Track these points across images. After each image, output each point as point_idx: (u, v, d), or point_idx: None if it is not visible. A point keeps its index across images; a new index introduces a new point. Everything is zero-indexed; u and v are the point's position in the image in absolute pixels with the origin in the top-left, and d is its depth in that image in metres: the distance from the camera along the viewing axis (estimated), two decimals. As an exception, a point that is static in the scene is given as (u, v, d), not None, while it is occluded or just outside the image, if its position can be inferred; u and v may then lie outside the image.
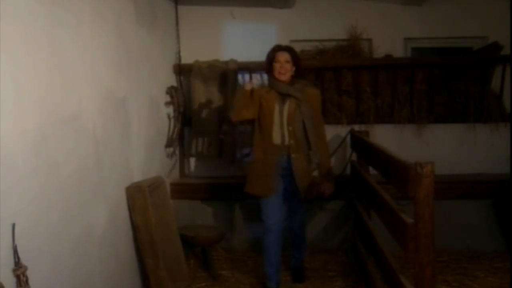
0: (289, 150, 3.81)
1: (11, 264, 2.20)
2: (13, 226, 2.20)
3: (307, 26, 5.19)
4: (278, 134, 3.81)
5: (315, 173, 4.01)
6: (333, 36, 5.20)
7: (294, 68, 3.85)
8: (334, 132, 5.03)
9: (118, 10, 3.58)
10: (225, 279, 4.23)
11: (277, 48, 3.88)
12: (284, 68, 3.78)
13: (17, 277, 2.22)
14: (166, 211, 4.02)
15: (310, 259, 4.59)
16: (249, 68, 4.87)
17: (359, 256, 4.30)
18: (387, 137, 4.84)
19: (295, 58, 3.86)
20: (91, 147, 3.07)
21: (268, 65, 3.88)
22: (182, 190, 4.86)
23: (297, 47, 5.06)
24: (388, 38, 5.19)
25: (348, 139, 4.81)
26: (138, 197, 3.56)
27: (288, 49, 3.88)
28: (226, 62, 4.87)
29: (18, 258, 2.22)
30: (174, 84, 5.00)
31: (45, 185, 2.50)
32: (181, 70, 5.05)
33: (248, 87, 3.81)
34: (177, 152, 5.00)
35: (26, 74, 2.35)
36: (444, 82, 5.03)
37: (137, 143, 3.89)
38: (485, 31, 5.18)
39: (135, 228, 3.62)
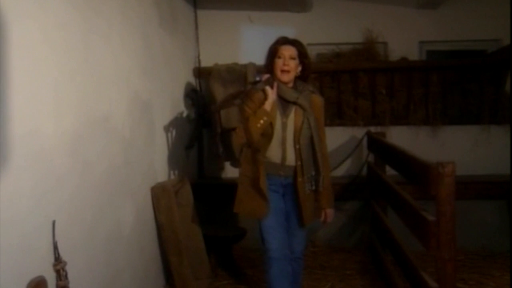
0: (295, 172, 3.13)
1: (51, 259, 2.31)
2: (53, 223, 2.31)
3: (324, 30, 5.30)
4: (278, 152, 3.11)
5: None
6: (349, 39, 5.32)
7: (300, 68, 3.14)
8: (351, 134, 5.13)
9: (144, 16, 3.70)
10: (246, 277, 4.30)
11: (282, 41, 3.15)
12: (288, 65, 3.06)
13: (57, 271, 2.33)
14: (189, 210, 4.11)
15: (327, 258, 4.68)
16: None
17: (376, 255, 4.38)
18: (402, 138, 4.90)
19: (303, 54, 3.14)
20: (120, 147, 3.19)
21: (269, 62, 3.16)
22: (202, 191, 4.94)
23: (314, 51, 5.20)
24: (403, 41, 5.29)
25: (365, 140, 4.90)
26: (163, 197, 3.67)
27: (294, 42, 3.15)
28: (245, 65, 4.96)
29: (58, 253, 2.33)
30: (194, 86, 5.09)
31: (80, 184, 2.62)
32: (200, 73, 5.16)
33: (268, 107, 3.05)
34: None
35: (65, 78, 2.47)
36: (459, 84, 5.12)
37: (161, 144, 3.99)
38: (499, 34, 5.26)
39: (159, 226, 3.73)
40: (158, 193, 3.68)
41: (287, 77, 3.08)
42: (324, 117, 3.30)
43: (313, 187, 3.17)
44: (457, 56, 5.51)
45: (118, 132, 3.16)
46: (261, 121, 3.03)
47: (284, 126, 3.09)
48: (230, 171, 5.24)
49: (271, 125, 3.06)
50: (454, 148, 5.01)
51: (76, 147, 2.57)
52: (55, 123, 2.37)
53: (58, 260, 2.33)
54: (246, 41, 5.42)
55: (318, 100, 3.21)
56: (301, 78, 3.19)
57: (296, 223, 3.25)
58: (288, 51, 3.08)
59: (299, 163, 3.10)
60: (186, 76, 4.93)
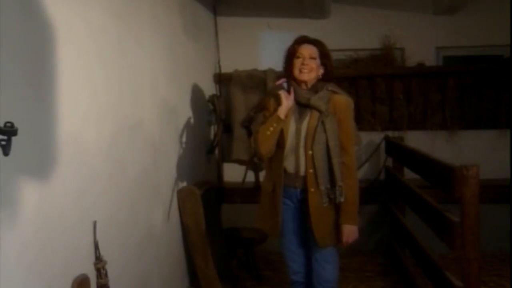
0: (306, 182, 2.82)
1: (92, 258, 2.41)
2: (95, 223, 2.42)
3: (342, 36, 5.35)
4: (292, 160, 2.86)
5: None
6: (367, 45, 5.38)
7: (322, 70, 2.88)
8: (368, 138, 5.21)
9: (170, 24, 3.82)
10: (268, 279, 4.39)
11: (301, 40, 2.91)
12: (308, 65, 2.80)
13: (97, 270, 2.43)
14: (213, 213, 4.20)
15: (347, 260, 4.72)
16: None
17: (396, 257, 4.45)
18: (420, 143, 4.90)
19: (324, 54, 2.88)
20: (151, 152, 3.31)
21: (287, 64, 2.92)
22: (223, 194, 5.03)
23: (332, 56, 5.25)
24: (420, 47, 5.34)
25: (382, 145, 4.97)
26: (190, 200, 3.76)
27: (315, 41, 2.90)
28: (265, 72, 5.05)
29: (99, 252, 2.44)
30: (214, 92, 5.19)
31: (116, 186, 2.75)
32: (221, 79, 5.25)
33: (283, 113, 2.83)
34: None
35: (101, 86, 2.60)
36: (475, 89, 5.17)
37: (185, 149, 4.09)
38: (515, 39, 5.31)
39: (185, 229, 3.82)
40: (185, 196, 3.77)
41: (307, 76, 2.81)
42: (351, 119, 2.92)
43: (330, 201, 2.80)
44: (474, 62, 5.55)
45: (149, 137, 3.28)
46: (271, 129, 2.81)
47: (297, 132, 2.83)
48: (249, 176, 5.33)
49: (282, 132, 2.83)
50: (471, 152, 5.05)
51: (112, 149, 2.70)
52: (95, 128, 2.49)
53: (99, 259, 2.44)
54: (265, 48, 5.48)
55: (342, 100, 2.85)
56: (325, 79, 2.90)
57: (314, 244, 2.89)
58: (307, 50, 2.83)
59: (311, 171, 2.78)
60: (207, 82, 5.02)
